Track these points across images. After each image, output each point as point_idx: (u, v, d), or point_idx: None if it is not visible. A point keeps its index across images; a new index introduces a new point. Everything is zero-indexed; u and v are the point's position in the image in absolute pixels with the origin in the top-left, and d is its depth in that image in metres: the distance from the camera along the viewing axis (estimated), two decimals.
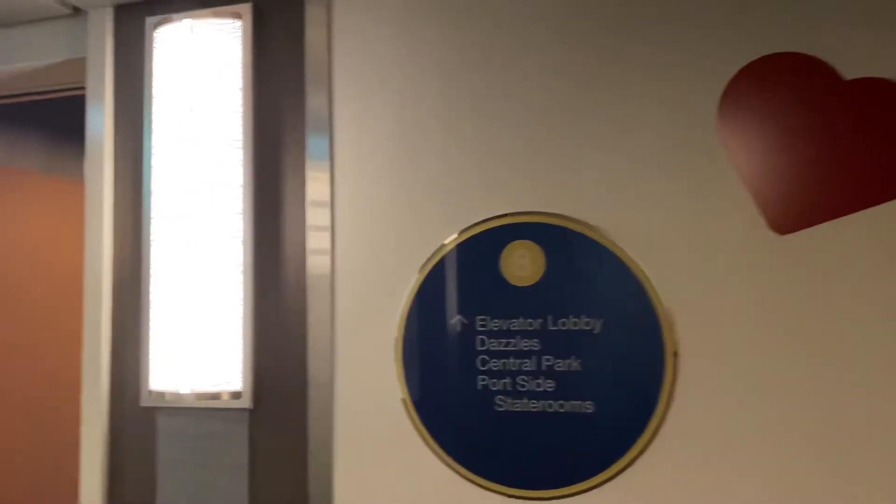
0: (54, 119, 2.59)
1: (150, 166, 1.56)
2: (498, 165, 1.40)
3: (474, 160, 1.41)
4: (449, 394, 1.38)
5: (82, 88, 1.75)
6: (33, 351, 2.51)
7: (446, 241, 1.40)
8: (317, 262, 1.49)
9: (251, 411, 1.51)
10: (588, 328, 1.31)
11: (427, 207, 1.43)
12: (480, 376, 1.36)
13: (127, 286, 1.62)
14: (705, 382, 1.26)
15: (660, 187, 1.31)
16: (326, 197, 1.49)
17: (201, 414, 1.53)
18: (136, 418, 1.59)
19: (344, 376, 1.45)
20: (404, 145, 1.46)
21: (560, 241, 1.34)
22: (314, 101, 1.51)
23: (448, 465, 1.37)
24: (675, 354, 1.27)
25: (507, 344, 1.35)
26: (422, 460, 1.39)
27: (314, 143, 1.51)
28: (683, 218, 1.29)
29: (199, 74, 1.51)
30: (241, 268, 1.49)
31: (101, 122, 1.65)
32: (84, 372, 1.61)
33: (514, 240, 1.36)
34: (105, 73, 1.65)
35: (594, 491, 1.30)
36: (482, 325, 1.37)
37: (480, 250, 1.38)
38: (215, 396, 1.49)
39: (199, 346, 1.48)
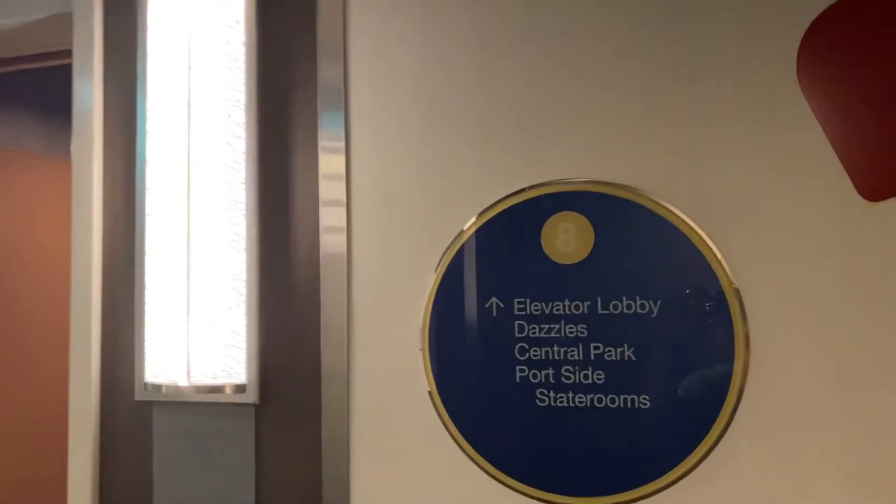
0: (50, 94, 2.43)
1: (143, 132, 1.39)
2: (537, 130, 1.23)
3: (510, 125, 1.24)
4: (483, 386, 1.21)
5: (70, 54, 1.59)
6: (31, 341, 2.37)
7: (478, 215, 1.24)
8: (331, 241, 1.32)
9: (257, 406, 1.35)
10: (643, 311, 1.14)
11: (456, 179, 1.26)
12: (519, 367, 1.19)
13: (119, 268, 1.46)
14: (783, 375, 1.09)
15: (730, 148, 1.14)
16: (341, 169, 1.32)
17: (202, 409, 1.37)
18: (130, 414, 1.43)
19: (362, 367, 1.29)
20: (430, 111, 1.29)
21: (611, 212, 1.17)
22: (327, 64, 1.35)
23: (481, 466, 1.21)
24: (748, 342, 1.10)
25: (550, 330, 1.18)
26: (450, 461, 1.23)
27: (328, 109, 1.34)
28: (757, 183, 1.12)
29: (199, 28, 1.34)
30: (245, 245, 1.32)
31: (89, 84, 1.49)
32: (72, 363, 1.46)
33: (558, 211, 1.19)
34: (94, 29, 1.49)
35: (650, 499, 1.13)
36: (521, 309, 1.20)
37: (519, 224, 1.21)
38: (217, 390, 1.33)
39: (199, 334, 1.32)
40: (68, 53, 1.72)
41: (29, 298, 2.34)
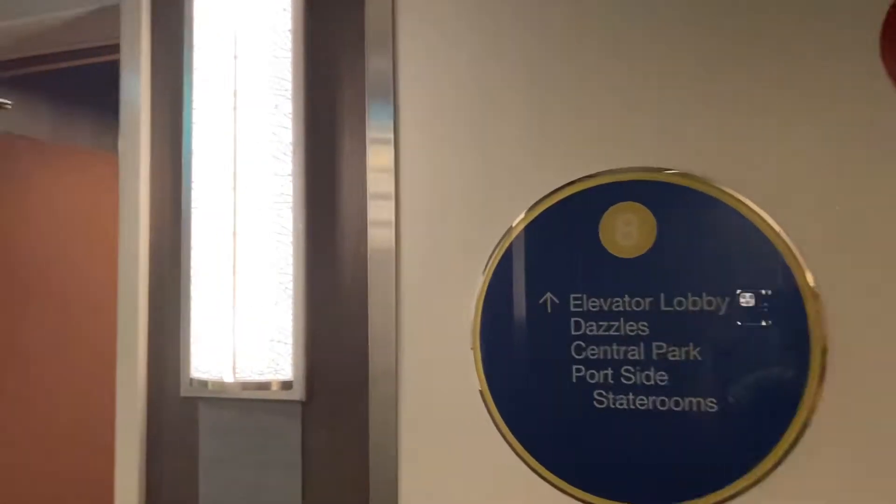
0: (98, 89, 2.44)
1: (190, 125, 1.37)
2: (593, 119, 1.16)
3: (563, 115, 1.18)
4: (536, 386, 1.16)
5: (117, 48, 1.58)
6: (80, 336, 2.38)
7: (531, 208, 1.18)
8: (379, 235, 1.28)
9: (304, 404, 1.31)
10: (710, 308, 1.07)
11: (507, 170, 1.21)
12: (576, 366, 1.13)
13: (166, 262, 1.44)
14: (863, 379, 1.01)
15: (805, 133, 1.06)
16: (390, 162, 1.28)
17: (248, 406, 1.35)
18: (176, 410, 1.41)
19: (410, 365, 1.25)
20: (481, 102, 1.24)
21: (675, 202, 1.10)
22: (376, 53, 1.30)
23: (534, 469, 1.16)
24: (825, 343, 1.02)
25: (609, 327, 1.12)
26: (502, 463, 1.18)
27: (376, 99, 1.30)
28: (837, 170, 1.04)
29: (245, 16, 1.31)
30: (291, 238, 1.29)
31: (136, 77, 1.48)
32: (119, 358, 1.45)
33: (618, 202, 1.13)
34: (141, 22, 1.47)
35: None
36: (578, 306, 1.14)
37: (574, 216, 1.15)
38: (264, 386, 1.30)
39: (245, 329, 1.29)
40: (116, 48, 1.72)
41: (77, 293, 2.36)
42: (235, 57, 1.30)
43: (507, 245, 1.19)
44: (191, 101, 1.36)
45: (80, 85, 2.45)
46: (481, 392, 1.19)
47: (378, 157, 1.30)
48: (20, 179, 2.20)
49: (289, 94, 1.29)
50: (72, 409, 2.32)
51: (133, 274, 1.44)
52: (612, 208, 1.13)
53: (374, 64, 1.31)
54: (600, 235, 1.13)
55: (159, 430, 1.42)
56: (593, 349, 1.13)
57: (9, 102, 2.01)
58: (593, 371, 1.12)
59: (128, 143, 1.48)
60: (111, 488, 1.45)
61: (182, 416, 1.41)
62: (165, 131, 1.47)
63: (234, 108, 1.29)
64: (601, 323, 1.12)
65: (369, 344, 1.27)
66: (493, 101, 1.23)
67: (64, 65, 1.86)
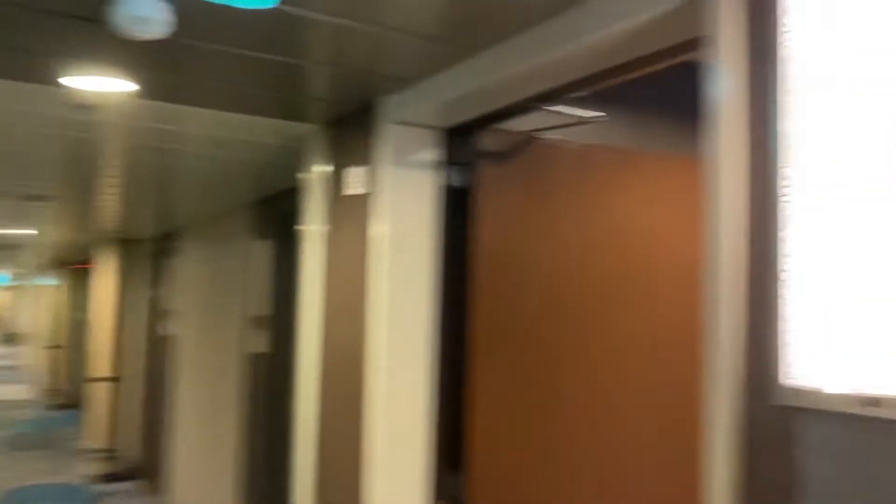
0: (668, 92, 2.44)
1: (777, 106, 1.28)
2: None
3: None
4: None
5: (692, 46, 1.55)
6: (667, 341, 2.46)
7: None
8: None
9: None
10: None
11: None
12: None
13: (758, 262, 1.35)
14: None
15: None
16: None
17: (857, 423, 1.17)
18: (770, 419, 1.31)
19: None
20: None
21: None
22: None
23: None
24: None
25: None
26: None
27: None
28: None
29: None
30: None
31: (726, 72, 1.40)
32: (707, 360, 1.41)
33: None
34: (731, 13, 1.40)
35: None
36: None
37: None
38: (874, 402, 1.12)
39: (855, 334, 1.13)
40: (688, 46, 1.70)
41: (662, 298, 2.45)
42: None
43: None
44: (777, 86, 1.26)
45: (648, 90, 2.52)
46: None
47: None
48: (605, 187, 2.40)
49: None
50: (660, 408, 2.42)
51: (718, 275, 1.39)
52: None
53: None
54: None
55: (752, 438, 1.34)
56: None
57: (603, 115, 2.19)
58: None
59: (717, 143, 1.41)
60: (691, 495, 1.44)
61: (777, 426, 1.30)
62: (759, 124, 1.36)
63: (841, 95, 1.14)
64: None
65: None
66: None
67: (639, 73, 1.92)
